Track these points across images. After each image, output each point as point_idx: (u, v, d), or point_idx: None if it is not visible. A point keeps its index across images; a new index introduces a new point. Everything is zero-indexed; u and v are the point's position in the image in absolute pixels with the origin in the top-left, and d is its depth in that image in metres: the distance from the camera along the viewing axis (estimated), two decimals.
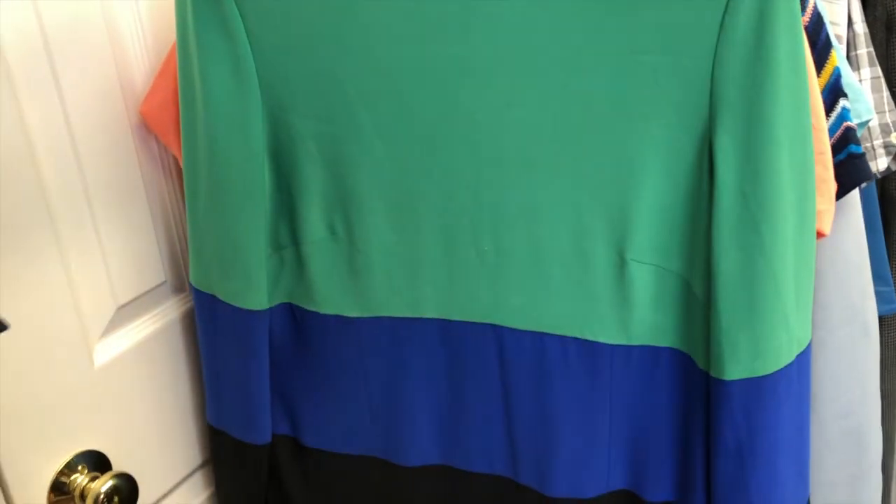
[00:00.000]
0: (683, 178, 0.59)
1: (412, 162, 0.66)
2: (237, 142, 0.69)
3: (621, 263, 0.63)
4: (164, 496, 0.85)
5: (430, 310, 0.71)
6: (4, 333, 0.64)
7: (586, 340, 0.67)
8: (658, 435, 0.68)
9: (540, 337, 0.68)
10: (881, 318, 0.83)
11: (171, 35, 0.77)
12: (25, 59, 0.65)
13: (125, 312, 0.78)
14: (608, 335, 0.66)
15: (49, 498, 0.73)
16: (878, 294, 0.76)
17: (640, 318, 0.65)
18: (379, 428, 0.77)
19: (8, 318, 0.63)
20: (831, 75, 0.60)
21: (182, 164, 0.74)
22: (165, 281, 0.82)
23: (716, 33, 0.54)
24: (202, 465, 0.90)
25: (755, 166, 0.56)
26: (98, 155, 0.72)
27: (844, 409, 0.70)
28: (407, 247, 0.69)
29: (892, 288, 0.77)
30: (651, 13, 0.55)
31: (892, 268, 0.79)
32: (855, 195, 0.64)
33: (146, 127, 0.77)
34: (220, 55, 0.66)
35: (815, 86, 0.58)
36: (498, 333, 0.69)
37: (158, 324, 0.82)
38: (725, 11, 0.53)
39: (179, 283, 0.84)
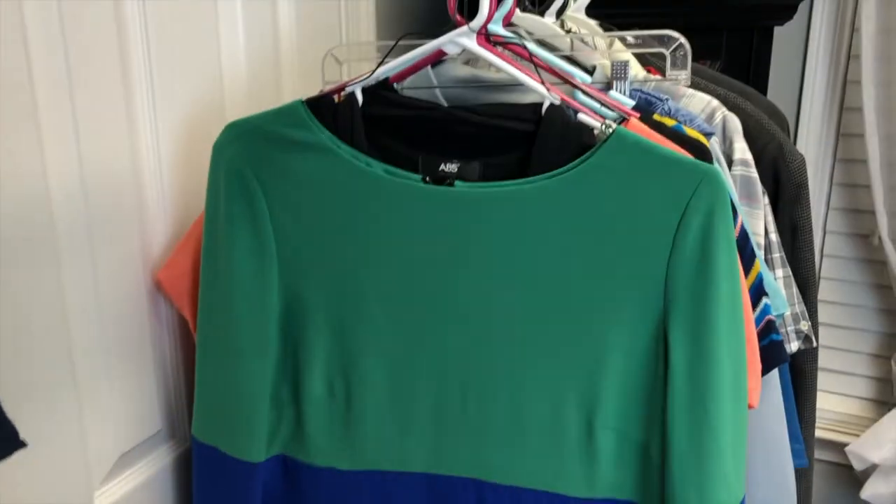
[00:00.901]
0: (642, 360, 0.72)
1: (411, 336, 0.76)
2: (254, 311, 0.78)
3: (590, 430, 0.74)
4: None
5: (418, 464, 0.80)
6: (16, 476, 0.69)
7: (557, 494, 0.77)
8: None
9: (517, 491, 0.77)
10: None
11: (189, 209, 0.87)
12: (71, 228, 0.73)
13: (124, 460, 0.83)
14: (576, 489, 0.76)
15: None
16: (792, 451, 0.90)
17: (604, 474, 0.75)
18: None
19: (21, 463, 0.68)
20: (756, 278, 0.75)
21: (197, 326, 0.82)
22: (161, 429, 0.88)
23: (669, 248, 0.68)
24: None
25: (701, 354, 0.69)
26: (116, 315, 0.80)
27: None
28: (399, 409, 0.79)
29: (803, 446, 0.91)
30: (617, 234, 0.69)
31: (803, 429, 0.93)
32: (775, 375, 0.79)
33: (158, 291, 0.85)
34: (246, 232, 0.77)
35: (744, 287, 0.73)
36: (478, 487, 0.78)
37: (152, 470, 0.87)
38: (677, 231, 0.68)
39: (171, 430, 0.90)
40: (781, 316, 0.77)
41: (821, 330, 1.56)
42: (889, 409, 1.48)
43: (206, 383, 0.82)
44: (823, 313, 1.54)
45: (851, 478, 1.60)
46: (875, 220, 1.39)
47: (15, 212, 0.67)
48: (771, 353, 0.76)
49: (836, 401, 1.62)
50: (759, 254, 0.76)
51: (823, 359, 1.57)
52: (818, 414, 1.56)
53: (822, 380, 1.60)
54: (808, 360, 0.92)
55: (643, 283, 0.69)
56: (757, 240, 0.79)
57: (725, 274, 0.68)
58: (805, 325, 0.80)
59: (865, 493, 1.44)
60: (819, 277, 1.52)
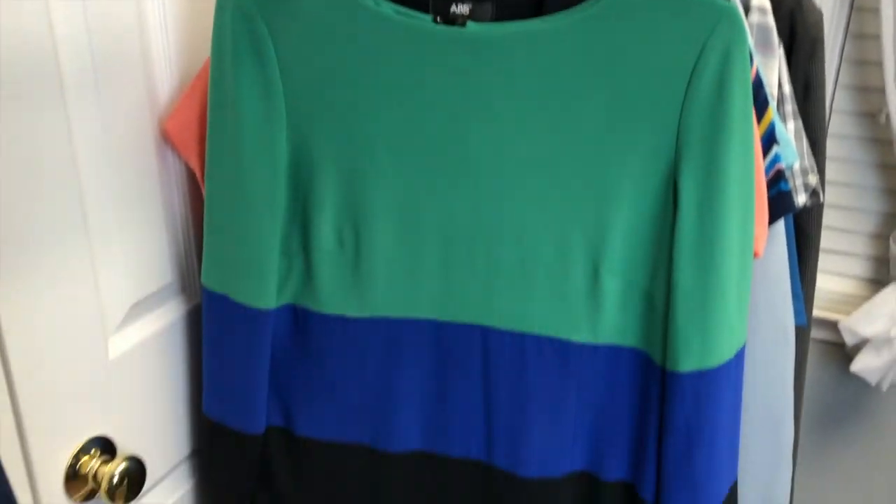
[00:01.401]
0: (651, 206, 0.72)
1: (421, 184, 0.77)
2: (262, 158, 0.78)
3: (595, 275, 0.76)
4: (156, 483, 0.92)
5: (426, 311, 0.81)
6: (30, 323, 0.70)
7: (560, 340, 0.78)
8: (616, 422, 0.80)
9: (521, 337, 0.79)
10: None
11: (193, 59, 0.85)
12: (76, 72, 0.72)
13: (136, 309, 0.85)
14: (579, 335, 0.78)
15: (66, 481, 0.79)
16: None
17: (608, 321, 0.77)
18: (368, 417, 0.87)
19: (37, 307, 0.69)
20: (768, 125, 0.74)
21: (205, 175, 0.82)
22: (171, 282, 0.89)
23: (683, 91, 0.67)
24: (190, 456, 0.96)
25: (710, 199, 0.69)
26: (125, 164, 0.80)
27: (767, 403, 0.84)
28: (408, 257, 0.79)
29: (802, 304, 0.93)
30: (632, 75, 0.68)
31: (803, 286, 0.94)
32: (781, 226, 0.79)
33: (165, 141, 0.84)
34: (253, 77, 0.76)
35: (756, 134, 0.73)
36: (484, 333, 0.80)
37: (163, 321, 0.89)
38: (693, 72, 0.67)
39: (182, 284, 0.92)
40: (791, 167, 0.78)
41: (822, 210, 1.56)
42: (884, 287, 1.50)
43: (215, 232, 0.83)
44: (827, 194, 1.54)
45: (843, 356, 1.64)
46: (884, 97, 1.37)
47: (18, 45, 0.66)
48: (779, 203, 0.76)
49: (832, 280, 1.64)
50: (772, 102, 0.76)
51: (822, 239, 1.58)
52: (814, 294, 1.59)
53: (820, 260, 1.61)
54: (812, 221, 0.93)
55: (656, 125, 0.69)
56: (770, 91, 0.79)
57: (739, 118, 0.68)
58: (813, 179, 0.80)
59: (856, 366, 1.47)
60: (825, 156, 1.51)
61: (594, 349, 0.79)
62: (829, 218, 1.57)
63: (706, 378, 0.74)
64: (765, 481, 0.87)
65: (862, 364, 1.46)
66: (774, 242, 0.78)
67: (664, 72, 0.67)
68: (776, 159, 0.75)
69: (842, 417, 1.70)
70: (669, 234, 0.72)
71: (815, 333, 1.64)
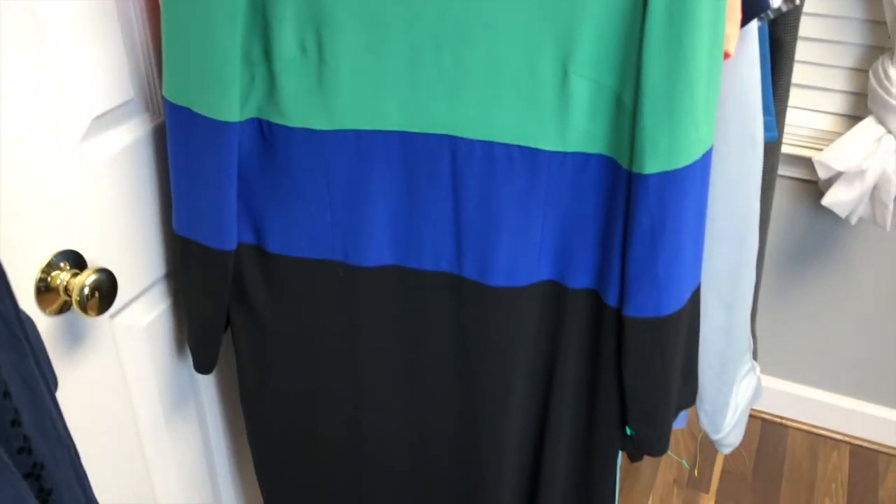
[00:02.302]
0: (622, 2, 0.70)
1: None
2: None
3: (564, 77, 0.74)
4: (131, 301, 0.93)
5: (393, 122, 0.80)
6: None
7: (529, 147, 0.78)
8: (583, 230, 0.81)
9: (489, 145, 0.79)
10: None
11: None
12: None
13: (100, 123, 0.83)
14: (547, 142, 0.78)
15: (37, 294, 0.80)
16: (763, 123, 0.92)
17: (576, 127, 0.76)
18: (339, 232, 0.87)
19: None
20: None
21: None
22: (133, 98, 0.87)
23: None
24: (165, 276, 0.97)
25: None
26: None
27: (732, 209, 0.85)
28: (374, 63, 0.78)
29: (774, 118, 0.93)
30: None
31: (775, 102, 0.94)
32: (753, 27, 0.77)
33: None
34: None
35: None
36: (452, 143, 0.80)
37: (130, 137, 0.87)
38: None
39: (145, 102, 0.90)
40: None
41: (799, 44, 1.53)
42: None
43: (173, 41, 0.80)
44: (806, 26, 1.51)
45: (817, 193, 1.65)
46: None
47: None
48: (752, 1, 0.74)
49: (808, 116, 1.63)
50: None
51: (798, 74, 1.56)
52: (787, 129, 1.58)
53: (795, 96, 1.60)
54: (788, 28, 0.91)
55: None
56: None
57: None
58: None
59: (827, 199, 1.49)
60: None
61: (563, 157, 0.78)
62: (806, 52, 1.54)
63: (672, 179, 0.74)
64: (728, 289, 0.90)
65: (833, 197, 1.48)
66: (746, 45, 0.77)
67: None
68: None
69: (813, 254, 1.74)
70: (640, 30, 0.70)
71: (789, 171, 1.65)
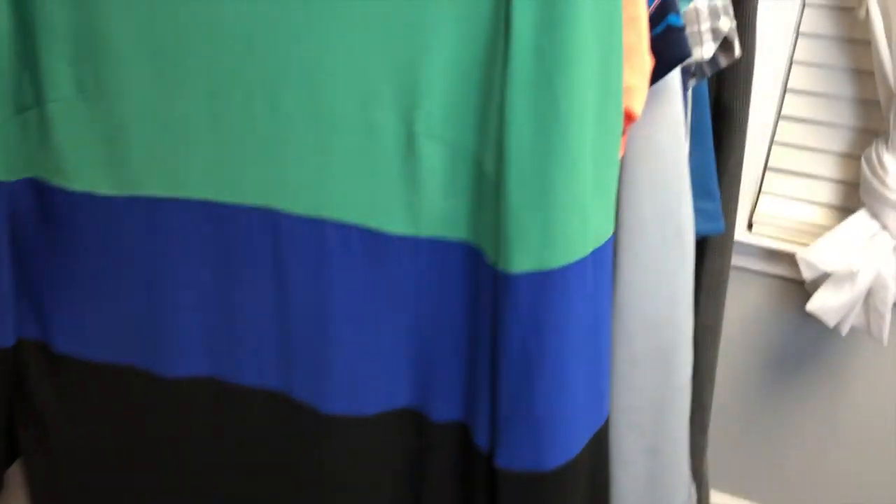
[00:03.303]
0: (480, 33, 0.51)
1: (175, 7, 0.55)
2: None
3: (410, 137, 0.55)
4: None
5: (197, 189, 0.61)
6: None
7: (371, 230, 0.58)
8: (447, 343, 0.60)
9: (319, 224, 0.59)
10: (705, 240, 0.78)
11: None
12: None
13: None
14: (395, 224, 0.57)
15: None
16: (702, 211, 0.71)
17: (431, 204, 0.57)
18: (140, 331, 0.67)
19: None
20: None
21: None
22: None
23: None
24: None
25: (552, 15, 0.48)
26: None
27: (653, 323, 0.64)
28: (170, 108, 0.59)
29: (719, 204, 0.72)
30: None
31: (722, 185, 0.74)
32: (675, 82, 0.58)
33: None
34: None
35: None
36: (273, 219, 0.60)
37: None
38: None
39: None
40: (688, 1, 0.56)
41: (782, 125, 1.35)
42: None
43: None
44: (790, 104, 1.32)
45: (803, 293, 1.44)
46: None
47: None
48: (667, 43, 0.55)
49: (791, 206, 1.43)
50: None
51: (783, 159, 1.37)
52: (766, 220, 1.38)
53: (780, 183, 1.41)
54: (736, 92, 0.71)
55: None
56: None
57: None
58: (726, 24, 0.59)
59: (812, 305, 1.27)
60: (792, 60, 1.29)
61: (415, 243, 0.58)
62: (792, 133, 1.35)
63: (548, 281, 0.53)
64: (650, 427, 0.67)
65: (819, 302, 1.26)
66: (663, 105, 0.57)
67: None
68: None
69: (800, 363, 1.52)
70: (502, 75, 0.50)
71: (771, 267, 1.44)
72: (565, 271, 0.53)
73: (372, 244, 0.58)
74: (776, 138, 1.34)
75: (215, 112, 0.57)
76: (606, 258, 0.55)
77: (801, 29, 1.30)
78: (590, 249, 0.54)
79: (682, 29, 0.54)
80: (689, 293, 0.64)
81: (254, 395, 0.66)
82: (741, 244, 1.40)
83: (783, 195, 1.41)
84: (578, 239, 0.53)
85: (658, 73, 0.55)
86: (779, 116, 1.32)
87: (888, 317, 1.25)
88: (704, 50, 0.58)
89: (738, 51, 0.60)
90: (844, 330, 1.29)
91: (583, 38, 0.48)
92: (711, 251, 0.77)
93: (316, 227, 0.59)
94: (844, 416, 1.51)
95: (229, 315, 0.64)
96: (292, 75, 0.55)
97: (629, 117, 0.54)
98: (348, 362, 0.61)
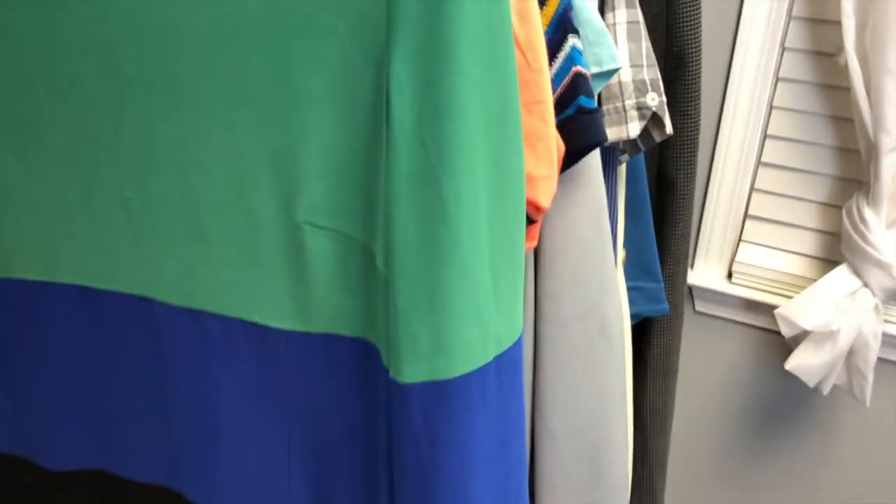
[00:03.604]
0: (362, 118, 0.45)
1: (35, 72, 0.50)
2: None
3: (293, 227, 0.49)
4: None
5: (68, 273, 0.55)
6: None
7: (255, 324, 0.52)
8: (342, 451, 0.55)
9: (199, 316, 0.53)
10: (650, 319, 0.72)
11: None
12: None
13: None
14: (281, 318, 0.52)
15: None
16: (644, 291, 0.65)
17: (320, 297, 0.51)
18: (20, 419, 0.61)
19: None
20: (559, 5, 0.47)
21: None
22: None
23: None
24: None
25: (435, 103, 0.42)
26: None
27: (578, 425, 0.58)
28: (35, 185, 0.53)
29: (661, 285, 0.66)
30: None
31: (666, 263, 0.68)
32: (595, 164, 0.52)
33: None
34: None
35: (533, 13, 0.45)
36: (150, 308, 0.54)
37: None
38: None
39: None
40: (609, 76, 0.50)
41: (762, 172, 1.29)
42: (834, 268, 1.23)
43: None
44: (770, 151, 1.26)
45: (785, 348, 1.37)
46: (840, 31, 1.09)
47: None
48: (579, 127, 0.49)
49: (771, 257, 1.37)
50: None
51: (763, 206, 1.31)
52: (746, 270, 1.32)
53: (760, 231, 1.35)
54: (680, 163, 0.65)
55: None
56: None
57: None
58: (654, 100, 0.53)
59: (791, 363, 1.21)
60: (771, 105, 1.23)
61: (305, 339, 0.52)
62: (770, 181, 1.29)
63: (442, 393, 0.47)
64: None
65: (799, 361, 1.19)
66: (583, 190, 0.51)
67: None
68: (573, 59, 0.48)
69: (782, 418, 1.45)
70: (385, 155, 0.45)
71: (753, 318, 1.38)
72: (463, 381, 0.47)
73: (257, 339, 0.53)
74: (756, 185, 1.28)
75: (85, 193, 0.52)
76: (514, 362, 0.49)
77: (781, 74, 1.25)
78: (491, 356, 0.48)
79: (594, 111, 0.48)
80: (620, 389, 0.58)
81: (144, 490, 0.60)
82: (720, 294, 1.34)
83: (763, 244, 1.35)
84: (476, 346, 0.47)
85: (571, 159, 0.49)
86: (759, 162, 1.26)
87: (871, 377, 1.18)
88: (630, 129, 0.53)
89: (668, 128, 0.54)
90: (826, 389, 1.23)
91: (470, 128, 0.42)
92: (658, 331, 0.71)
93: (195, 319, 0.53)
94: (827, 476, 1.44)
95: (112, 406, 0.58)
96: (161, 157, 0.49)
97: (537, 209, 0.48)
98: (235, 464, 0.56)
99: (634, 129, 0.53)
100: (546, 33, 0.48)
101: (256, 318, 0.52)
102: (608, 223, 0.53)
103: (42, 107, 0.50)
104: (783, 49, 1.23)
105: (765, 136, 1.26)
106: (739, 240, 1.35)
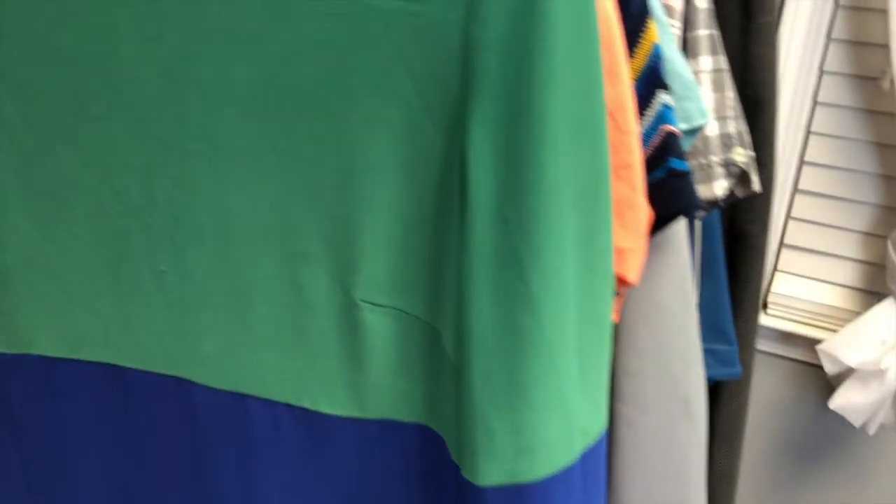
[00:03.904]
0: (430, 188, 0.40)
1: (60, 134, 0.45)
2: None
3: (349, 305, 0.44)
4: None
5: (93, 350, 0.50)
6: None
7: (304, 409, 0.47)
8: None
9: (241, 400, 0.48)
10: (719, 385, 0.67)
11: None
12: None
13: None
14: (334, 403, 0.47)
15: None
16: (715, 353, 0.60)
17: (377, 380, 0.46)
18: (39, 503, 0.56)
19: None
20: (648, 56, 0.42)
21: None
22: None
23: None
24: None
25: (520, 177, 0.37)
26: None
27: None
28: (57, 255, 0.48)
29: (735, 347, 0.61)
30: None
31: (737, 321, 0.62)
32: (681, 230, 0.47)
33: None
34: None
35: (621, 69, 0.40)
36: (187, 391, 0.49)
37: None
38: None
39: None
40: (697, 132, 0.45)
41: (799, 200, 1.24)
42: (879, 301, 1.18)
43: None
44: (807, 178, 1.22)
45: (826, 379, 1.32)
46: (888, 55, 1.04)
47: None
48: (669, 192, 0.44)
49: (812, 288, 1.31)
50: (664, 19, 0.43)
51: (800, 235, 1.26)
52: (782, 301, 1.27)
53: (796, 261, 1.29)
54: (754, 215, 0.60)
55: (426, 35, 0.37)
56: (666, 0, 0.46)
57: (569, 23, 0.35)
58: (742, 155, 0.48)
59: (835, 402, 1.15)
60: (809, 131, 1.18)
61: (359, 426, 0.47)
62: (811, 210, 1.24)
63: (525, 498, 0.42)
64: None
65: (843, 400, 1.14)
66: (667, 258, 0.46)
67: None
68: (664, 117, 0.42)
69: (823, 455, 1.39)
70: (459, 236, 0.40)
71: (790, 351, 1.33)
72: (547, 484, 0.42)
73: (306, 425, 0.47)
74: (792, 213, 1.23)
75: (113, 265, 0.47)
76: (599, 456, 0.44)
77: (819, 98, 1.20)
78: (577, 452, 0.42)
79: (686, 174, 0.43)
80: (702, 471, 0.52)
81: None
82: None
83: (800, 274, 1.30)
84: (562, 442, 0.41)
85: (658, 225, 0.44)
86: (795, 189, 1.21)
87: None
88: (716, 187, 0.47)
89: (756, 185, 0.49)
90: (872, 429, 1.17)
91: (559, 204, 0.37)
92: (727, 394, 0.65)
93: (238, 403, 0.48)
94: None
95: (143, 495, 0.53)
96: (200, 227, 0.44)
97: (623, 282, 0.43)
98: None
99: (721, 187, 0.48)
100: (634, 85, 0.43)
101: (306, 403, 0.47)
102: (693, 290, 0.48)
103: (66, 170, 0.45)
104: (822, 72, 1.18)
105: (802, 163, 1.22)
106: (775, 270, 1.29)
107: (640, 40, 0.42)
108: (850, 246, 1.26)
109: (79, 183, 0.45)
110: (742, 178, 0.49)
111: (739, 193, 0.51)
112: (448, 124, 0.38)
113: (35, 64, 0.43)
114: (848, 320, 1.23)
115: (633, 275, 0.43)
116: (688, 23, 0.47)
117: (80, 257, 0.47)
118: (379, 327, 0.44)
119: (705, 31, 0.47)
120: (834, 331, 1.23)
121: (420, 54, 0.37)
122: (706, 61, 0.48)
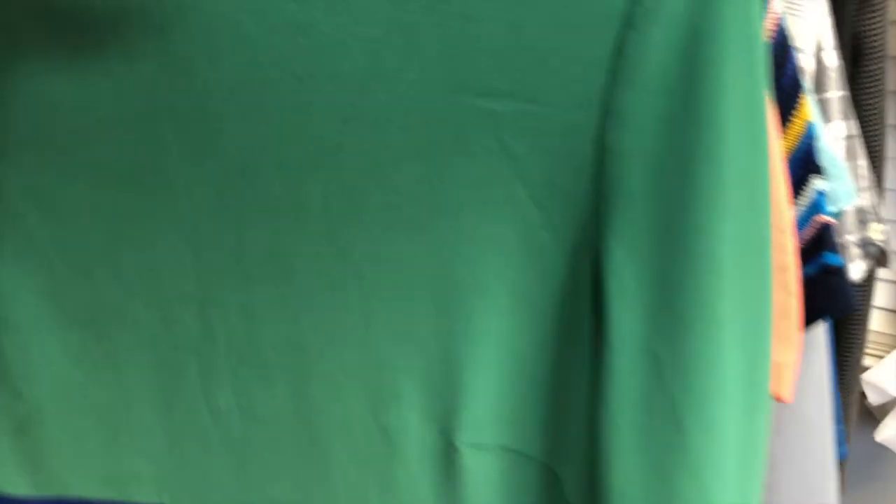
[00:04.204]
0: (549, 314, 0.34)
1: (96, 257, 0.38)
2: None
3: (447, 450, 0.37)
4: None
5: (144, 491, 0.43)
6: None
7: None
8: None
9: None
10: None
11: None
12: None
13: None
14: None
15: None
16: None
17: None
18: None
19: None
20: (801, 137, 0.35)
21: None
22: None
23: (607, 63, 0.28)
24: None
25: (675, 312, 0.30)
26: None
27: None
28: (99, 392, 0.41)
29: (843, 426, 0.55)
30: (504, 32, 0.29)
31: (841, 395, 0.56)
32: (821, 335, 0.40)
33: None
34: None
35: (776, 156, 0.34)
36: None
37: None
38: (625, 26, 0.28)
39: None
40: (839, 215, 0.39)
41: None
42: None
43: None
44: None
45: (865, 408, 1.26)
46: None
47: None
48: (822, 291, 0.37)
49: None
50: (807, 86, 0.36)
51: None
52: None
53: None
54: (862, 290, 0.54)
55: (550, 142, 0.30)
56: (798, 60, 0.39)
57: (740, 128, 0.29)
58: (879, 231, 0.41)
59: (882, 435, 1.09)
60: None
61: None
62: None
63: None
64: None
65: (891, 432, 1.09)
66: (809, 362, 0.39)
67: (569, 31, 0.28)
68: (818, 206, 0.36)
69: (863, 489, 1.33)
70: (589, 367, 0.33)
71: None
72: None
73: None
74: None
75: (164, 403, 0.40)
76: None
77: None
78: None
79: (842, 271, 0.37)
80: None
81: None
82: None
83: None
84: None
85: (808, 323, 0.38)
86: None
87: None
88: (853, 270, 0.41)
89: (890, 261, 0.43)
90: None
91: (723, 343, 0.30)
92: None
93: None
94: None
95: None
96: (266, 359, 0.37)
97: (776, 400, 0.37)
98: None
99: (858, 271, 0.41)
100: (790, 166, 0.36)
101: None
102: (830, 395, 0.41)
103: (105, 297, 0.38)
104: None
105: None
106: None
107: (793, 117, 0.35)
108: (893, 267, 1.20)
109: (120, 311, 0.38)
110: (879, 255, 0.43)
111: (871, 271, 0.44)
112: (576, 243, 0.31)
113: (67, 180, 0.36)
114: (891, 345, 1.17)
115: (787, 391, 0.36)
116: (818, 84, 0.41)
117: (125, 393, 0.40)
118: (483, 470, 0.37)
119: (837, 93, 0.41)
120: (878, 356, 1.17)
121: (539, 163, 0.31)
122: (839, 127, 0.41)
